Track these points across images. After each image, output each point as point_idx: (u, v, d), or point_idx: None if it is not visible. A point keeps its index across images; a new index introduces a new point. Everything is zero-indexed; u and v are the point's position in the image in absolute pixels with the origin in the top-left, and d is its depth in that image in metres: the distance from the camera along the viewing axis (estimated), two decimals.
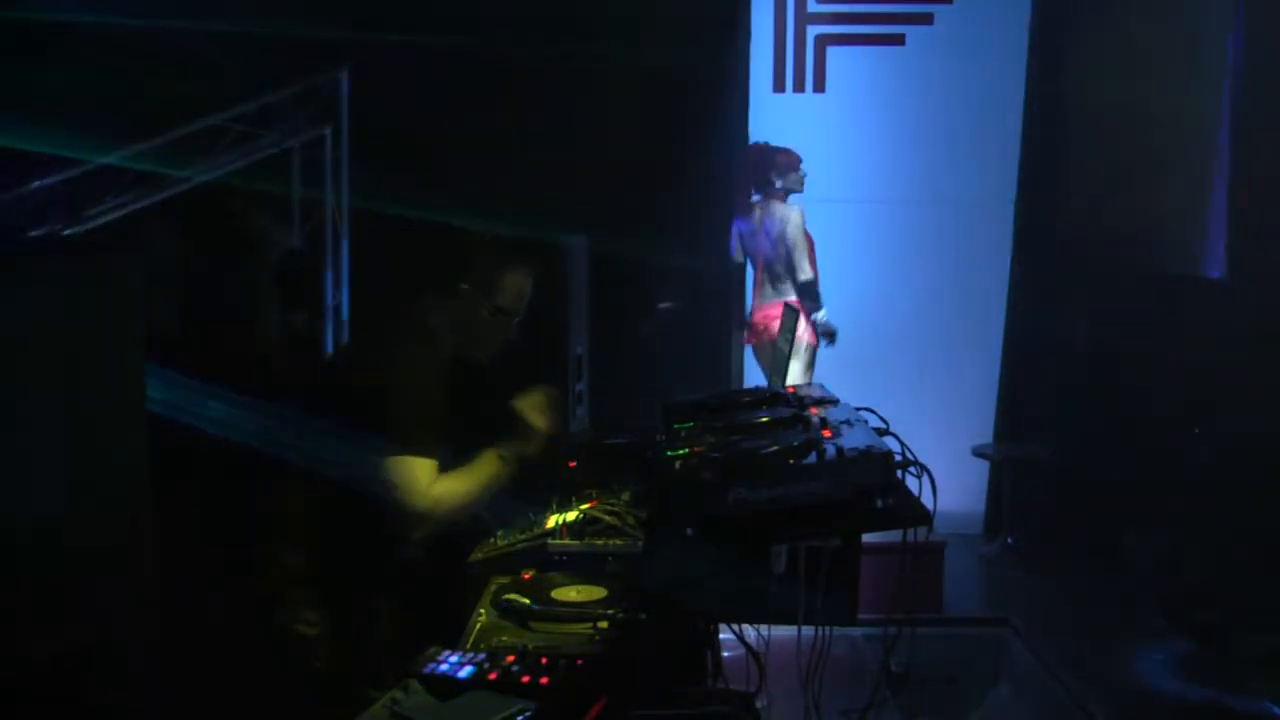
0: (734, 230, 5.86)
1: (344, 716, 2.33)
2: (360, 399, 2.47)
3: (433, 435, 2.47)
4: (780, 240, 5.63)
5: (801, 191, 5.74)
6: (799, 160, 5.72)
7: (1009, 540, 5.72)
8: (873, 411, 2.05)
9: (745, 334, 5.90)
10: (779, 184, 5.69)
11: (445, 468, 2.51)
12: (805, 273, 5.61)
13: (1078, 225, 5.85)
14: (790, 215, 5.63)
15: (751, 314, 5.84)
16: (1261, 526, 4.34)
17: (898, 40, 5.99)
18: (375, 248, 5.64)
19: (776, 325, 5.54)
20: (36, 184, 5.00)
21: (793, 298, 5.62)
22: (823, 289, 5.69)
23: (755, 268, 5.81)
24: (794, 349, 5.15)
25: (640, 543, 2.36)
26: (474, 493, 2.53)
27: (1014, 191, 6.01)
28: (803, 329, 5.55)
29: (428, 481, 2.44)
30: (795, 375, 5.44)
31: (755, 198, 5.78)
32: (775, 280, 5.71)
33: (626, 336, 5.79)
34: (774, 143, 5.78)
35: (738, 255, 5.88)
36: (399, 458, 2.41)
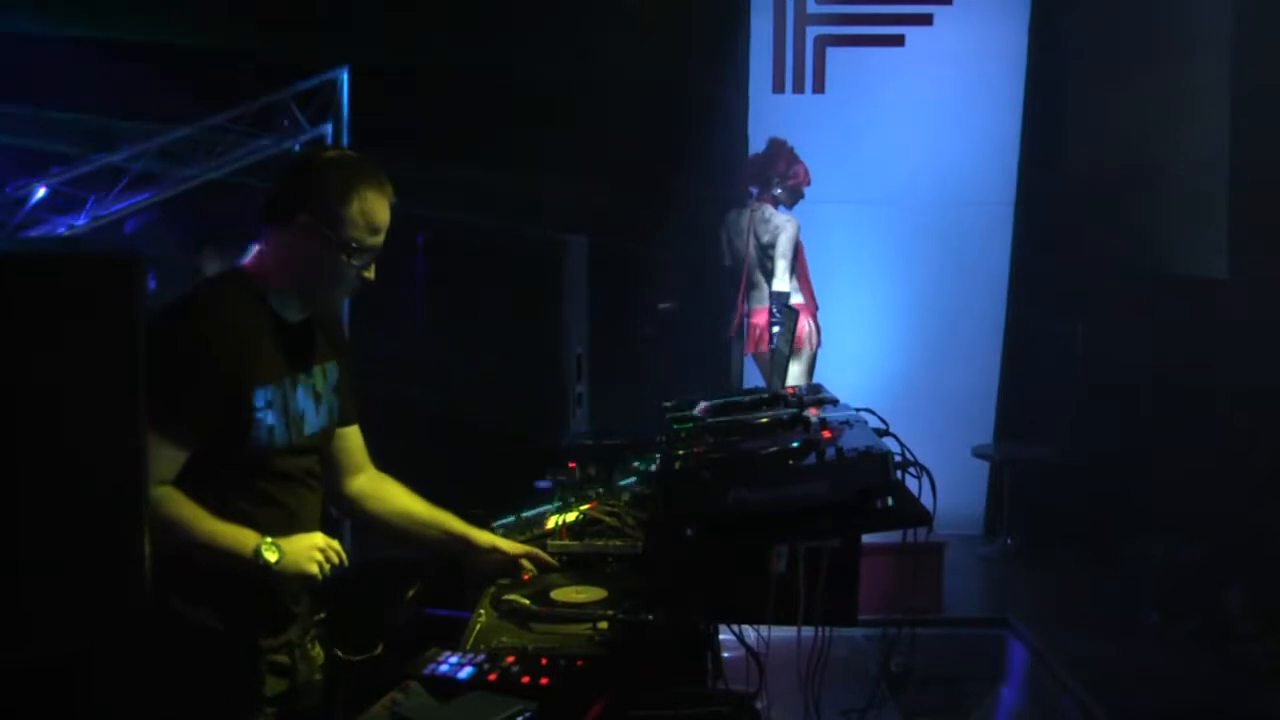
0: (725, 222, 5.74)
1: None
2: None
3: (175, 416, 1.92)
4: (770, 247, 5.54)
5: (790, 208, 5.63)
6: (808, 182, 5.63)
7: (1009, 540, 5.72)
8: (873, 412, 2.05)
9: (745, 344, 5.79)
10: (778, 190, 5.62)
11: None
12: (782, 284, 5.49)
13: (1078, 225, 5.85)
14: (786, 226, 5.51)
15: (745, 319, 5.74)
16: (1262, 526, 4.34)
17: (898, 41, 6.00)
18: None
19: (762, 329, 5.55)
20: (36, 184, 5.01)
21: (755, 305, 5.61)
22: (823, 289, 5.69)
23: (741, 269, 5.72)
24: (795, 353, 5.13)
25: (640, 543, 2.36)
26: (191, 535, 1.95)
27: (1014, 191, 6.02)
28: (805, 330, 5.50)
29: (159, 471, 1.92)
30: (795, 378, 5.41)
31: (753, 192, 5.69)
32: (759, 285, 5.62)
33: (626, 336, 5.79)
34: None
35: (726, 258, 5.75)
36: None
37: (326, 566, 2.04)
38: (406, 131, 5.50)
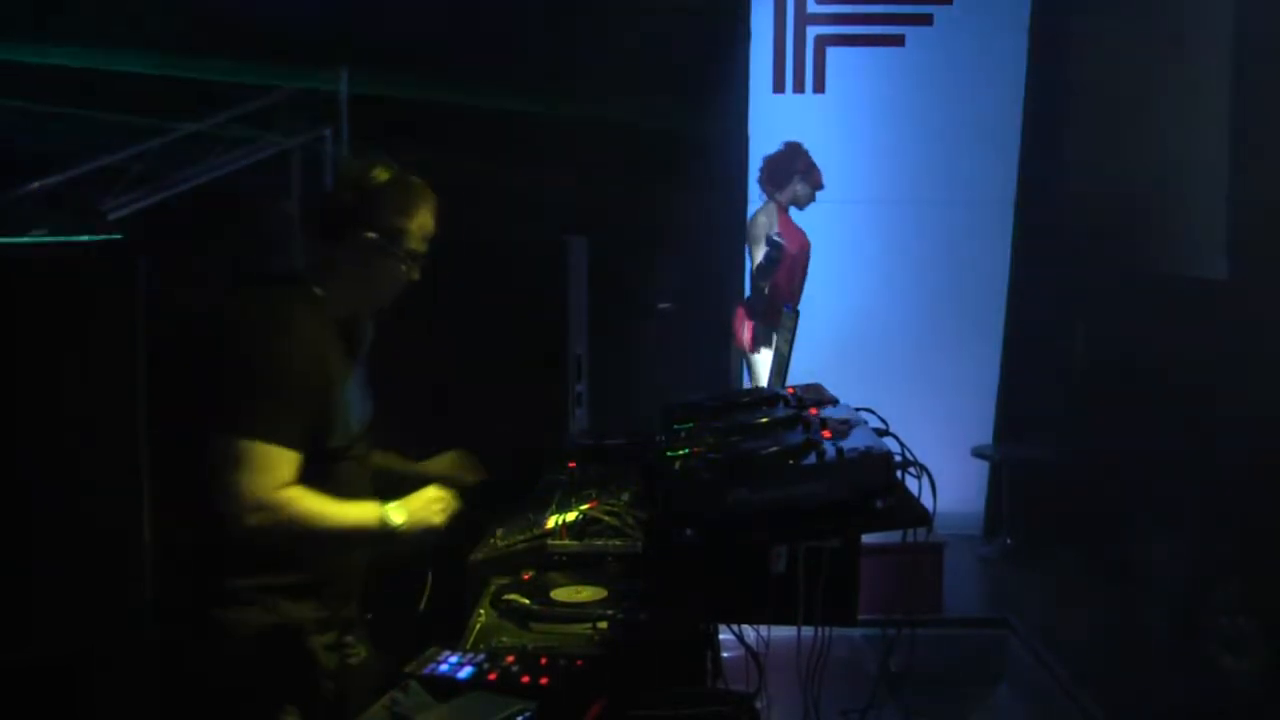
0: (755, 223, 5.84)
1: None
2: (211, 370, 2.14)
3: (292, 421, 2.09)
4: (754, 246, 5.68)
5: (801, 209, 5.74)
6: (820, 186, 5.73)
7: (1008, 540, 5.72)
8: (872, 412, 2.05)
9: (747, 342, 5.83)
10: (798, 188, 5.69)
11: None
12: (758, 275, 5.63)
13: (1078, 225, 5.85)
14: (758, 214, 5.70)
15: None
16: (1262, 527, 4.34)
17: (898, 40, 6.00)
18: None
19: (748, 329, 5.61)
20: (36, 184, 5.01)
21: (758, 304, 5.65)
22: (822, 288, 5.70)
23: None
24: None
25: (640, 543, 2.36)
26: (326, 524, 2.11)
27: (1014, 191, 6.02)
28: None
29: (284, 475, 2.06)
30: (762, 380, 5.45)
31: (766, 193, 5.79)
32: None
33: (626, 336, 5.79)
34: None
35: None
36: (253, 440, 2.03)
37: (446, 515, 2.21)
38: (406, 131, 5.49)
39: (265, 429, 2.04)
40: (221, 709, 2.14)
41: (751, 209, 5.97)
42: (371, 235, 2.21)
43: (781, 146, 5.76)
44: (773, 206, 5.74)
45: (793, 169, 5.70)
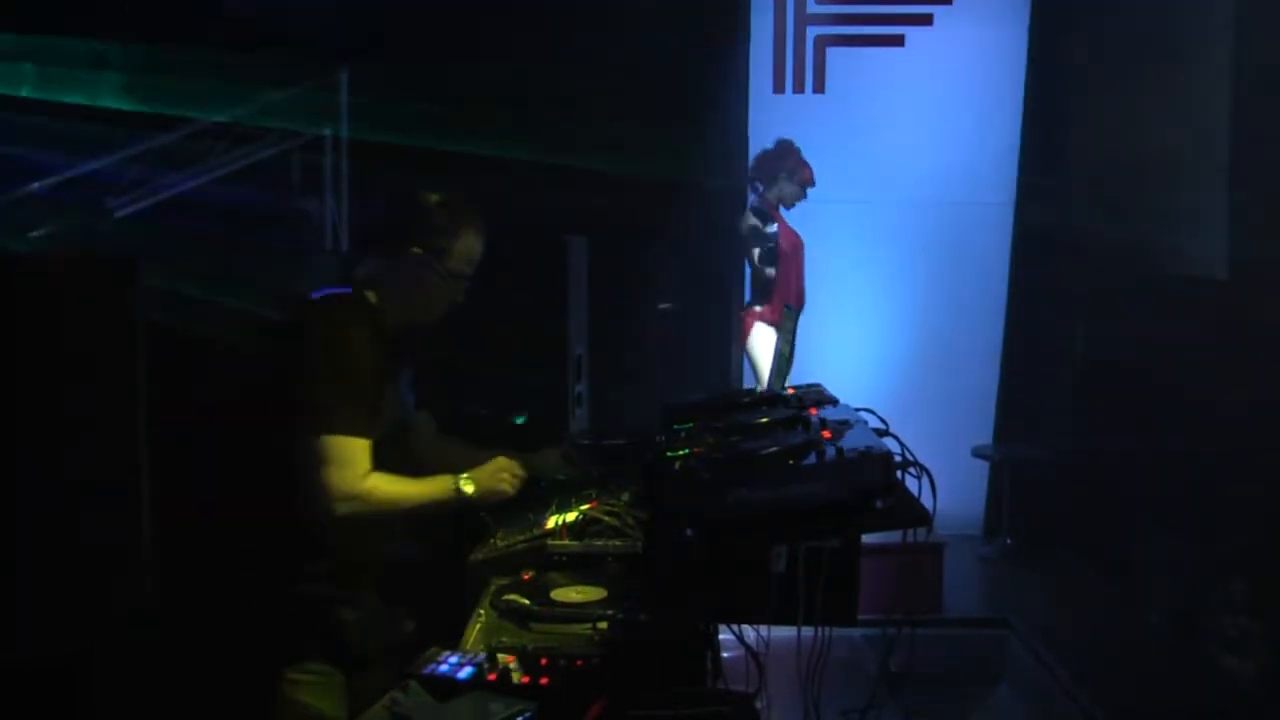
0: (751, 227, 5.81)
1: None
2: (292, 376, 2.34)
3: (369, 415, 2.31)
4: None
5: (789, 208, 5.73)
6: (812, 183, 5.71)
7: (1008, 540, 5.72)
8: (872, 412, 2.05)
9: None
10: (786, 186, 5.67)
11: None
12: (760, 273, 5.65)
13: (1078, 225, 5.85)
14: (746, 212, 5.70)
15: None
16: (1262, 527, 4.34)
17: (898, 41, 6.00)
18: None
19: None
20: (36, 186, 5.01)
21: (761, 303, 5.64)
22: (822, 289, 5.69)
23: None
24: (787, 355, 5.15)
25: (640, 543, 2.36)
26: (408, 502, 2.34)
27: (1014, 191, 6.02)
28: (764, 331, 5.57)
29: (364, 464, 2.28)
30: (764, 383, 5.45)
31: (758, 189, 5.76)
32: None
33: (626, 336, 5.79)
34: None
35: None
36: (333, 436, 2.24)
37: (515, 481, 2.45)
38: (406, 132, 5.49)
39: (343, 424, 2.24)
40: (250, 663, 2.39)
41: None
42: (417, 251, 2.39)
43: (773, 144, 5.74)
44: (762, 205, 5.72)
45: (780, 167, 5.67)
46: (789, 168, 5.66)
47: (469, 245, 2.44)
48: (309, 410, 2.26)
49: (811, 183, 5.68)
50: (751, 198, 5.81)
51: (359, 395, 2.29)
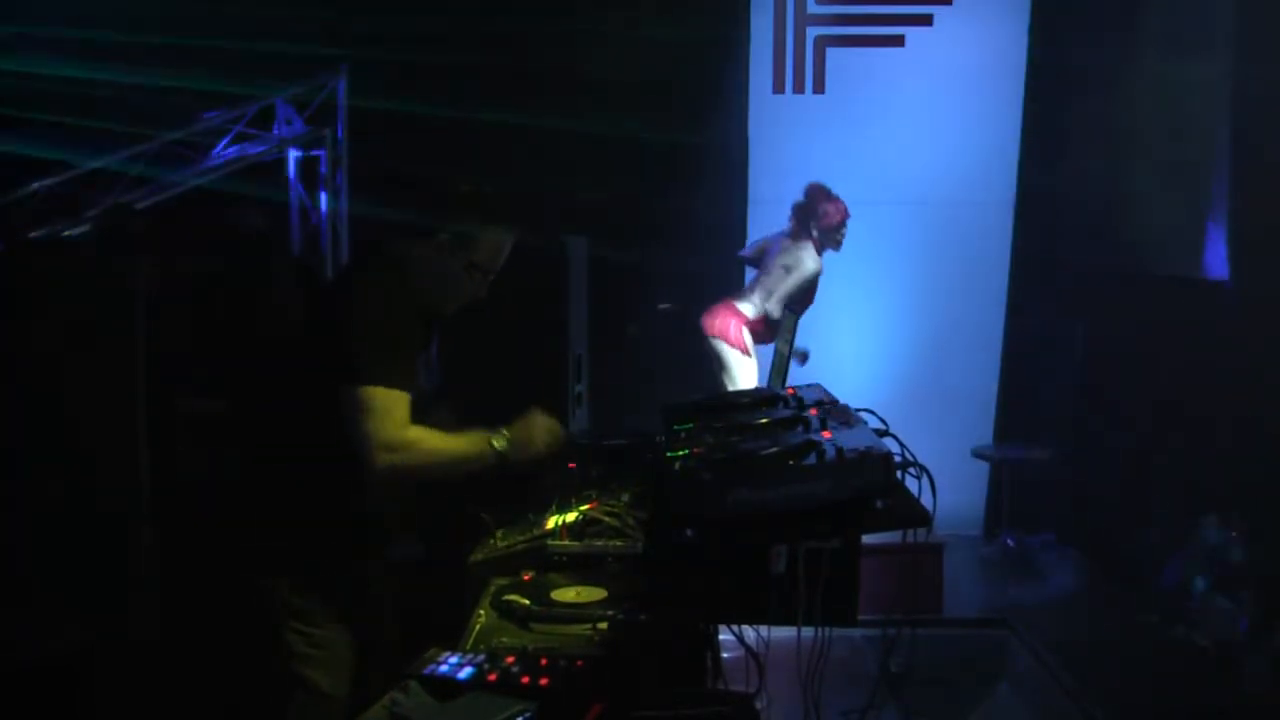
0: (765, 237, 5.58)
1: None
2: (334, 332, 2.37)
3: (407, 370, 2.35)
4: (784, 271, 5.32)
5: (835, 249, 5.39)
6: (842, 219, 5.34)
7: (1009, 540, 5.72)
8: (872, 412, 2.05)
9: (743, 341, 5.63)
10: (815, 232, 5.34)
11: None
12: (775, 312, 5.31)
13: (1078, 226, 5.85)
14: (807, 261, 5.29)
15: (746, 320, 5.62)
16: (1263, 526, 4.34)
17: (898, 41, 5.99)
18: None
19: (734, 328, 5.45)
20: (36, 185, 5.01)
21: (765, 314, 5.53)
22: (822, 289, 5.68)
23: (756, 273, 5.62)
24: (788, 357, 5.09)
25: (640, 544, 2.36)
26: (447, 458, 2.37)
27: (1014, 192, 6.01)
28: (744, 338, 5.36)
29: (403, 415, 2.30)
30: (750, 383, 5.28)
31: (788, 224, 5.44)
32: (762, 296, 5.40)
33: (627, 337, 5.79)
34: (818, 182, 5.39)
35: (748, 253, 5.65)
36: (372, 387, 2.27)
37: (549, 439, 2.48)
38: (404, 131, 5.50)
39: (385, 376, 2.27)
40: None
41: (752, 209, 5.96)
42: (444, 236, 2.43)
43: (803, 194, 5.39)
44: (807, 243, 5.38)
45: (810, 215, 5.33)
46: (815, 214, 5.33)
47: (497, 241, 2.48)
48: (349, 362, 2.29)
49: (839, 216, 5.36)
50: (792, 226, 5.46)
51: (399, 349, 2.34)
